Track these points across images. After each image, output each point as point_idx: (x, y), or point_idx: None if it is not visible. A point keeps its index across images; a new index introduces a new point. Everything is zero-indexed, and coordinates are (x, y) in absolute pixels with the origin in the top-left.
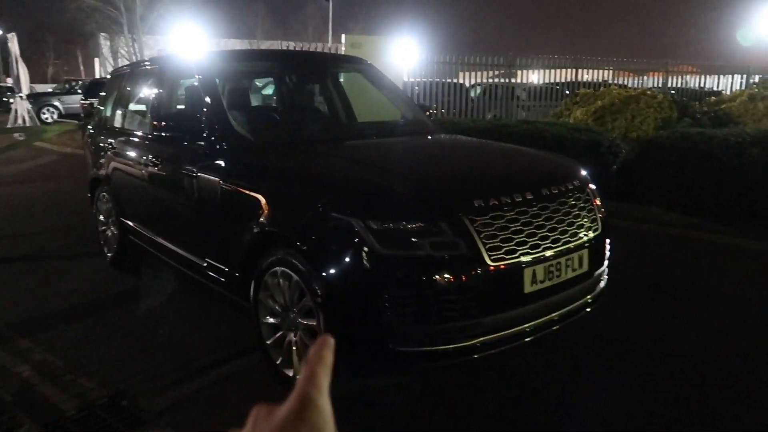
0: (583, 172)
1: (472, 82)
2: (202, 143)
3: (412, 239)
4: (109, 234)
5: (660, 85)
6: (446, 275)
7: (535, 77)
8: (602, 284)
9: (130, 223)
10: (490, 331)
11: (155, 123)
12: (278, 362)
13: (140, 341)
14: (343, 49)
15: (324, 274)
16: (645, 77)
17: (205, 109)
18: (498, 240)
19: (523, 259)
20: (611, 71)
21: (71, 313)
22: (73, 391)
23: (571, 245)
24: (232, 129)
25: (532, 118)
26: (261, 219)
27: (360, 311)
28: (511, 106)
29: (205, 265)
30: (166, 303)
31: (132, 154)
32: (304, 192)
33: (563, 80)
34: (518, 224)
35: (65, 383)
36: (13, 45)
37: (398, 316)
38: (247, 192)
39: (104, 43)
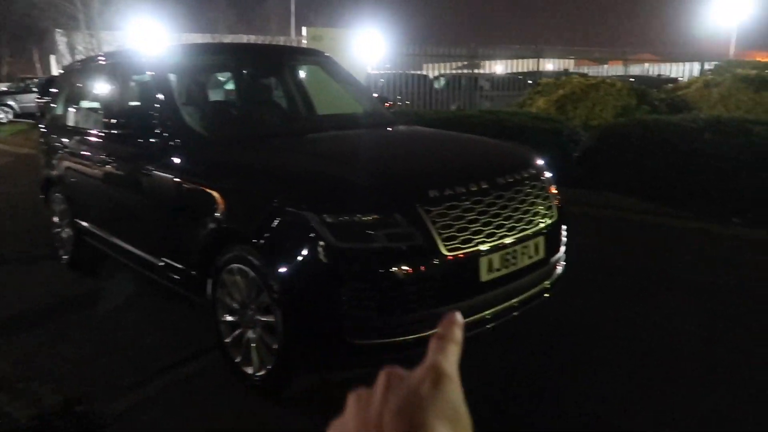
0: (539, 161)
1: (439, 73)
2: (155, 140)
3: (368, 231)
4: (64, 236)
5: (620, 74)
6: (402, 266)
7: (500, 68)
8: (559, 270)
9: (85, 224)
10: None
11: (107, 120)
12: (237, 360)
13: (98, 344)
14: (304, 42)
15: (280, 269)
16: (606, 66)
17: (157, 105)
18: (454, 230)
19: (480, 248)
20: (573, 61)
21: (25, 318)
22: (26, 399)
23: (527, 233)
24: (186, 125)
25: (495, 108)
26: (215, 216)
27: (317, 305)
28: (475, 97)
29: (162, 264)
30: (125, 304)
31: (85, 152)
32: (258, 187)
33: (527, 70)
34: (474, 213)
35: (18, 391)
36: None
37: (355, 309)
38: (201, 189)
39: (60, 40)
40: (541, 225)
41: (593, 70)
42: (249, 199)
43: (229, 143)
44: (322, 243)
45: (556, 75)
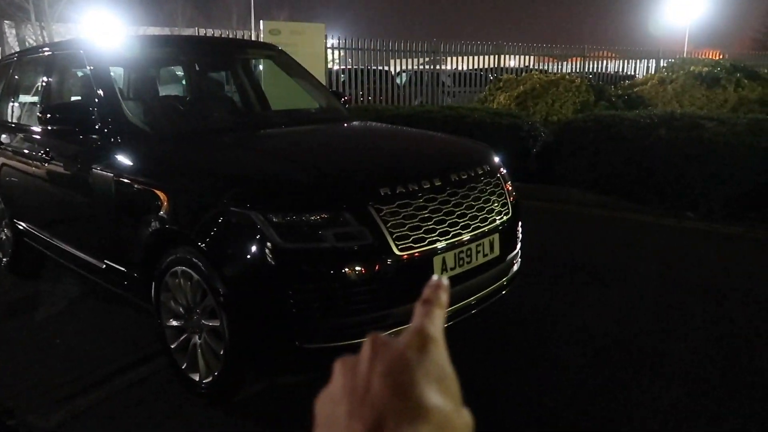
0: (494, 157)
1: (400, 69)
2: (96, 137)
3: (316, 231)
4: (3, 237)
5: (578, 70)
6: (352, 267)
7: (465, 64)
8: (516, 267)
9: (25, 225)
10: (401, 321)
11: (45, 115)
12: (183, 367)
13: (35, 352)
14: (261, 36)
15: (225, 271)
16: (565, 63)
17: (97, 100)
18: (406, 228)
19: (432, 246)
20: (534, 57)
21: None
22: None
23: (481, 231)
24: (128, 120)
25: (457, 104)
26: (157, 216)
27: (264, 309)
28: (437, 93)
29: (104, 267)
30: (66, 309)
31: (23, 149)
32: (201, 186)
33: (488, 66)
34: (426, 211)
35: None
36: None
37: (303, 311)
38: (143, 187)
39: (9, 32)
40: (497, 222)
41: (553, 67)
42: (192, 198)
43: (174, 139)
44: (268, 243)
45: (517, 71)
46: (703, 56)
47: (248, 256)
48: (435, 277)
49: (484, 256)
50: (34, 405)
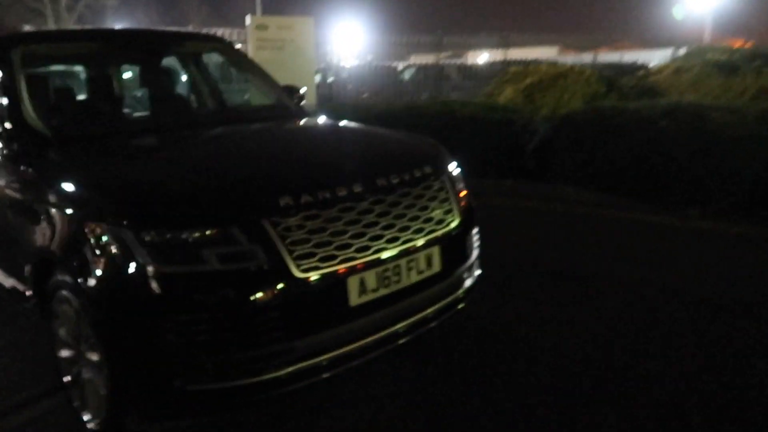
0: (442, 156)
1: (405, 65)
2: None
3: (197, 251)
4: None
5: (593, 62)
6: (240, 293)
7: (483, 58)
8: (469, 283)
9: None
10: (307, 356)
11: None
12: (76, 405)
13: None
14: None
15: (95, 298)
16: (584, 54)
17: None
18: (311, 245)
19: (348, 265)
20: (550, 48)
21: None
22: None
23: (414, 244)
24: (26, 123)
25: (464, 99)
26: (36, 234)
27: (138, 343)
28: (442, 87)
29: (8, 286)
30: None
31: None
32: (73, 199)
33: (503, 59)
34: (341, 224)
35: None
36: None
37: (182, 346)
38: (24, 200)
39: None
40: (438, 233)
41: (574, 59)
42: (64, 214)
43: (73, 144)
44: (139, 266)
45: (526, 64)
46: (726, 45)
47: (119, 282)
48: None
49: (419, 273)
50: None
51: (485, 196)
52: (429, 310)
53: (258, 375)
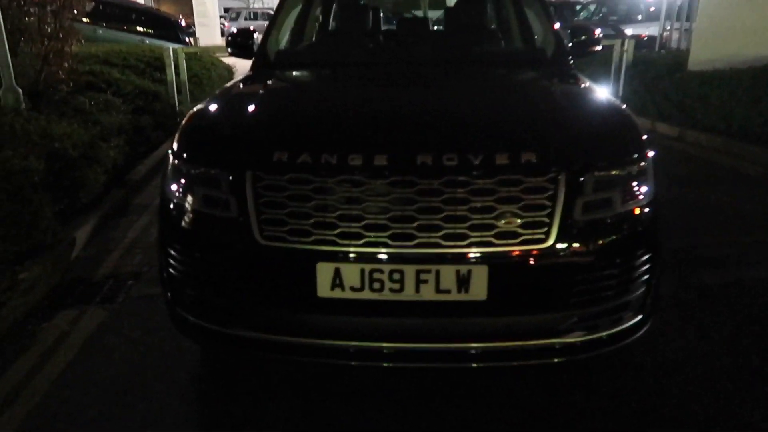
0: (598, 142)
1: None
2: None
3: (194, 188)
4: None
5: None
6: (202, 239)
7: None
8: (581, 333)
9: None
10: (260, 328)
11: None
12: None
13: None
14: None
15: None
16: None
17: None
18: (285, 212)
19: (320, 248)
20: None
21: None
22: None
23: (437, 251)
24: None
25: None
26: None
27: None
28: None
29: None
30: None
31: None
32: None
33: None
34: (333, 197)
35: None
36: None
37: (168, 273)
38: None
39: None
40: (493, 247)
41: None
42: None
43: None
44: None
45: None
46: None
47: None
48: None
49: (440, 291)
50: None
51: None
52: (456, 345)
53: (209, 321)
